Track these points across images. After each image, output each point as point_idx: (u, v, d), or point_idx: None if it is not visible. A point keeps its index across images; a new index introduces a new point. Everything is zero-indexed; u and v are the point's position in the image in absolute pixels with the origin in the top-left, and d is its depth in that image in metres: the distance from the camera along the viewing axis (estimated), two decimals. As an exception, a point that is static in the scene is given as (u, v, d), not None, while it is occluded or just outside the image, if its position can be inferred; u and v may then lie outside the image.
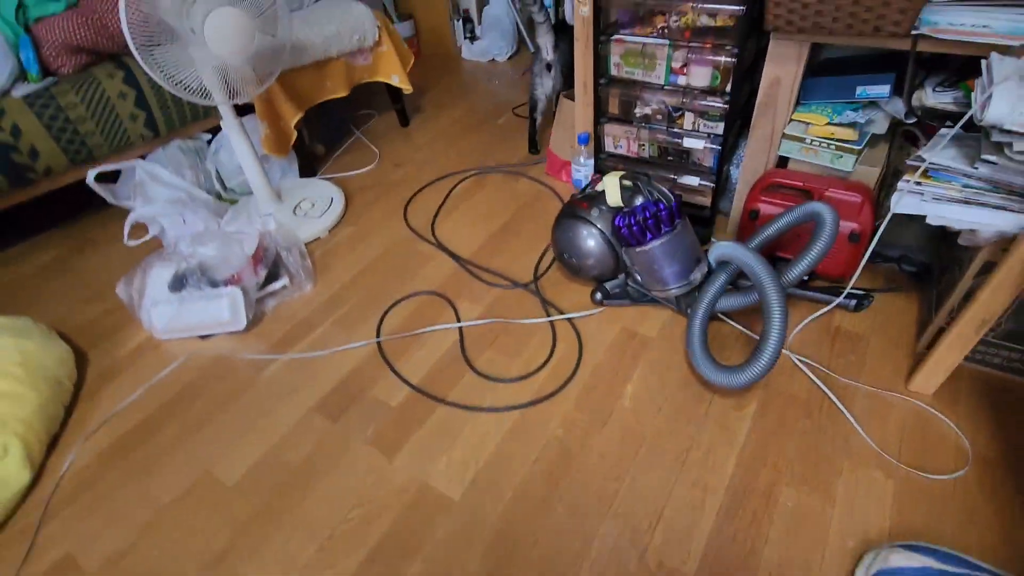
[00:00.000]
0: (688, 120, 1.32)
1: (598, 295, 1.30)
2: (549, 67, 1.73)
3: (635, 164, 1.47)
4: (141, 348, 1.32)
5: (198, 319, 1.30)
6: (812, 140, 1.18)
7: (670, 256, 1.14)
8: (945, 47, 0.98)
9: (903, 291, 1.26)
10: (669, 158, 1.41)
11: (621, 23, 1.27)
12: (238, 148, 1.51)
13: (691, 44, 1.20)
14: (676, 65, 1.24)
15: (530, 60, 2.46)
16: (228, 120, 1.44)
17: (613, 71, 1.34)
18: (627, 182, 1.21)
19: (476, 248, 1.52)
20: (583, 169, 1.51)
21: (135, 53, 1.17)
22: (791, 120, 1.22)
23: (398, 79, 1.98)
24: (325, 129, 2.15)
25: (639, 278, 1.22)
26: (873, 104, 1.18)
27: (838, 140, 1.16)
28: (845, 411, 1.04)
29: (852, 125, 1.16)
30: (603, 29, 1.28)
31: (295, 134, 1.74)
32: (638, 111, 1.38)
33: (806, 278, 1.20)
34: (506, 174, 1.83)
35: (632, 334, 1.23)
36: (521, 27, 2.65)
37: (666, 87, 1.29)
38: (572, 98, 1.65)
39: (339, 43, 1.76)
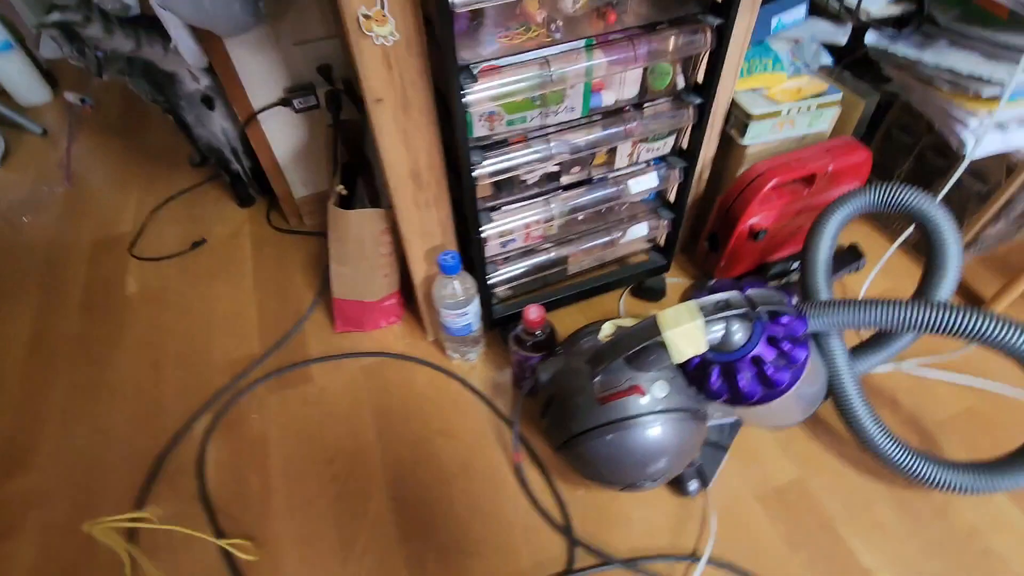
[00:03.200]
0: (621, 153, 0.77)
1: (693, 485, 0.75)
2: (208, 100, 1.01)
3: (535, 255, 0.86)
4: None
5: None
6: (790, 110, 0.82)
7: (814, 374, 0.67)
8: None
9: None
10: (580, 219, 0.85)
11: (470, 38, 0.59)
12: None
13: (630, 30, 0.63)
14: (598, 78, 0.66)
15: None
16: None
17: (480, 131, 0.66)
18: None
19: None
20: (470, 307, 0.81)
21: None
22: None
23: None
24: None
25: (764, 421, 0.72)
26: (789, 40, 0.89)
27: (814, 97, 0.83)
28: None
29: (807, 71, 0.85)
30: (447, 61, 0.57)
31: None
32: (529, 177, 0.75)
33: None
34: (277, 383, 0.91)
35: (779, 490, 0.75)
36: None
37: (583, 120, 0.70)
38: (346, 204, 0.86)
39: None
